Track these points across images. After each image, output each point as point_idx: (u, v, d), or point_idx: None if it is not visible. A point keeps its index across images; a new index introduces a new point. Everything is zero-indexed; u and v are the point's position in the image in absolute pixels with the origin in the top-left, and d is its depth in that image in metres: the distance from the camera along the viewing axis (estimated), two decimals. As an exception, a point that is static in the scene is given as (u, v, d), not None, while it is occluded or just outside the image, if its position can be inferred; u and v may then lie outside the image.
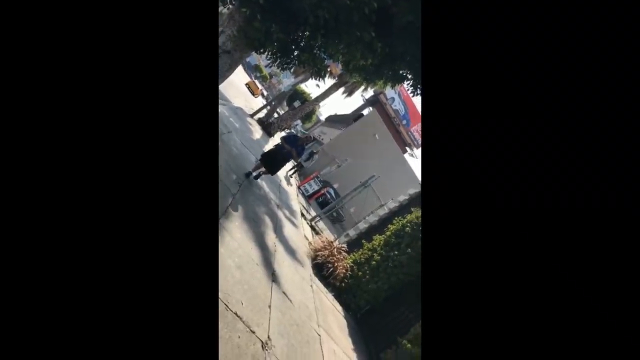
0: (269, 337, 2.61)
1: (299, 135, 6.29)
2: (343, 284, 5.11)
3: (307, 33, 3.43)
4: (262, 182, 5.80)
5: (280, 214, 5.79)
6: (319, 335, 3.51)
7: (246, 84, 21.58)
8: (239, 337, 2.27)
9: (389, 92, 16.87)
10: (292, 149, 5.16)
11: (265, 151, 5.66)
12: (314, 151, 13.10)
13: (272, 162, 5.28)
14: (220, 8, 3.91)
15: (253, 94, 21.29)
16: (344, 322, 4.58)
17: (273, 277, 3.49)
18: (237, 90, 15.08)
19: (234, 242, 3.28)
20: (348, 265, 5.31)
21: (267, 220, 4.83)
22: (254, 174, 5.41)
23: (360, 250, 5.69)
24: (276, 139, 12.50)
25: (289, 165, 6.60)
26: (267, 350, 2.48)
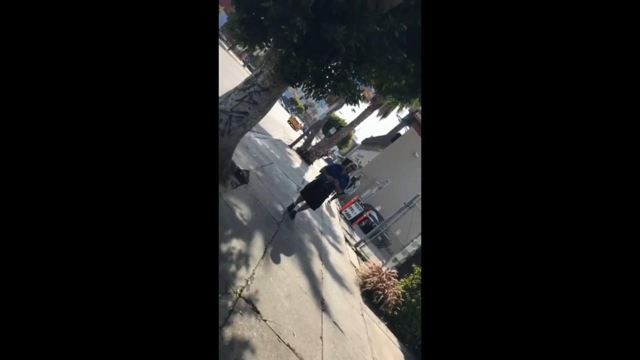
0: (323, 370, 2.51)
1: (340, 163, 5.74)
2: (396, 312, 4.82)
3: (340, 62, 3.56)
4: (305, 210, 5.85)
5: (324, 240, 5.76)
6: (375, 369, 3.29)
7: (288, 121, 23.35)
8: (293, 370, 2.22)
9: (425, 109, 16.52)
10: (335, 179, 4.79)
11: (306, 186, 5.16)
12: (356, 177, 13.02)
13: (313, 196, 4.93)
14: (257, 51, 4.25)
15: (294, 128, 22.62)
16: (400, 355, 4.27)
17: (322, 305, 3.41)
18: (275, 123, 15.88)
19: (282, 271, 3.30)
20: (399, 292, 5.03)
21: (313, 247, 4.83)
22: (295, 209, 5.05)
23: (411, 275, 5.38)
24: (315, 167, 12.74)
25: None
26: (322, 385, 2.38)
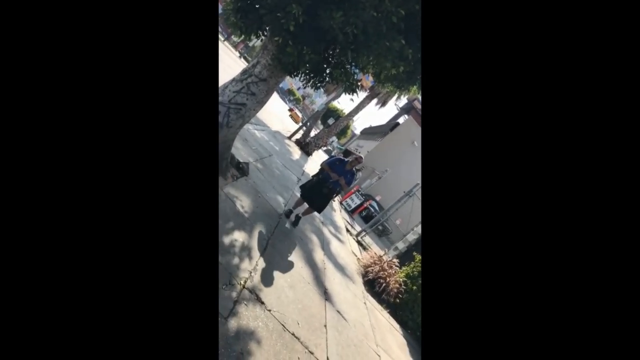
0: (327, 358, 2.54)
1: (341, 156, 4.85)
2: (398, 300, 4.88)
3: (337, 50, 3.50)
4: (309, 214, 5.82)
5: (325, 230, 5.78)
6: (379, 355, 3.35)
7: (290, 115, 23.32)
8: (299, 358, 2.25)
9: (424, 97, 16.40)
10: (340, 177, 4.13)
11: (306, 183, 4.44)
12: (357, 168, 12.92)
13: (315, 198, 4.29)
14: (254, 41, 4.17)
15: (295, 121, 22.54)
16: (403, 341, 4.33)
17: (326, 295, 3.44)
18: (273, 115, 15.78)
19: (285, 262, 3.32)
20: (401, 280, 5.08)
21: (314, 238, 4.85)
22: (293, 215, 4.50)
23: (412, 263, 5.42)
24: (315, 158, 12.70)
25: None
26: (327, 371, 2.42)
